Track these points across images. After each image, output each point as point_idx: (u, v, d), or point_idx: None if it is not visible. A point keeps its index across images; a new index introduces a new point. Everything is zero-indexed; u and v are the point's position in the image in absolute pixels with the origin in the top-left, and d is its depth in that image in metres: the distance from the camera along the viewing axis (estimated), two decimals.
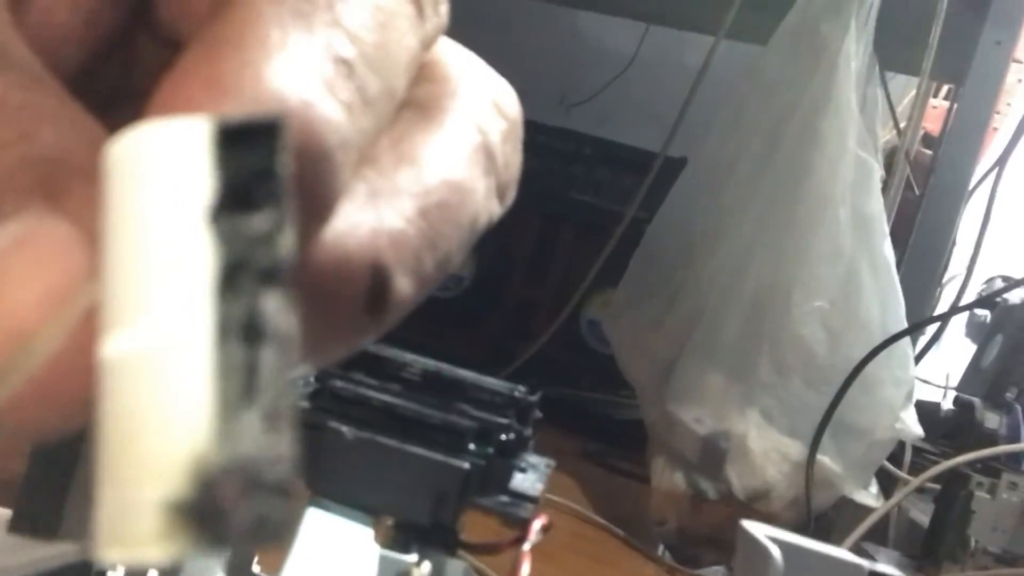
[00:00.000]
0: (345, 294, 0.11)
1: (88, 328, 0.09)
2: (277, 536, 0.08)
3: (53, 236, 0.09)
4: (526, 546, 0.17)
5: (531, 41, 1.53)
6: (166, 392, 0.08)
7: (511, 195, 0.14)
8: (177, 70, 0.10)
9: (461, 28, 0.15)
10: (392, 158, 0.12)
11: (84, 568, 0.17)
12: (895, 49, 0.91)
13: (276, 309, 0.08)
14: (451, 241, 0.12)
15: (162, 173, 0.08)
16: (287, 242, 0.08)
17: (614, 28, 1.53)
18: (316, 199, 0.10)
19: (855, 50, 0.74)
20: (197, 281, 0.08)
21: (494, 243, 1.23)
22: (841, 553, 0.18)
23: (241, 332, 0.08)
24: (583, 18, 1.56)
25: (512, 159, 0.14)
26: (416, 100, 0.13)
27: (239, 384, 0.08)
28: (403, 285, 0.12)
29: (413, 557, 0.17)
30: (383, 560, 0.15)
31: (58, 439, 0.12)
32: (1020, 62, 1.66)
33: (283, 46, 0.10)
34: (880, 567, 0.19)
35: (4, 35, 0.11)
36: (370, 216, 0.11)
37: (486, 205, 0.13)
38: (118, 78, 0.14)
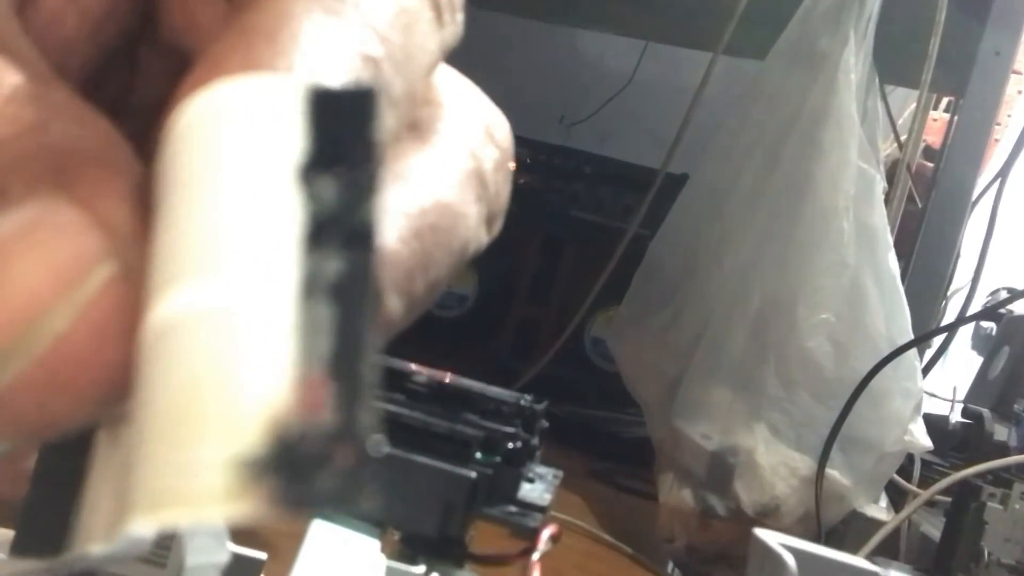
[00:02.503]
0: None
1: (101, 310, 0.09)
2: (355, 499, 0.07)
3: (62, 220, 0.09)
4: (535, 556, 0.17)
5: (531, 61, 1.54)
6: (241, 348, 0.07)
7: (498, 225, 0.14)
8: (211, 55, 0.10)
9: (462, 48, 0.15)
10: (387, 176, 0.12)
11: None
12: (894, 62, 0.91)
13: (363, 270, 0.08)
14: (442, 265, 0.12)
15: (251, 127, 0.08)
16: (377, 205, 0.08)
17: (613, 47, 1.53)
18: None
19: (854, 62, 0.74)
20: (283, 237, 0.08)
21: (497, 262, 1.23)
22: (856, 561, 0.18)
23: (326, 291, 0.08)
24: (582, 37, 1.57)
25: (503, 189, 0.13)
26: (410, 121, 0.12)
27: (322, 343, 0.07)
28: (394, 305, 0.11)
29: (421, 569, 0.17)
30: (390, 572, 0.15)
31: (64, 448, 0.12)
32: (1020, 73, 1.66)
33: (315, 41, 0.10)
34: (894, 575, 0.18)
35: (12, 35, 0.11)
36: None
37: (476, 232, 0.13)
38: (120, 90, 0.14)
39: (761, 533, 0.18)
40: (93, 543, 0.09)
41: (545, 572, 0.26)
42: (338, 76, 0.10)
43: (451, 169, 0.12)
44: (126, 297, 0.09)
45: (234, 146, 0.08)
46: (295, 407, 0.07)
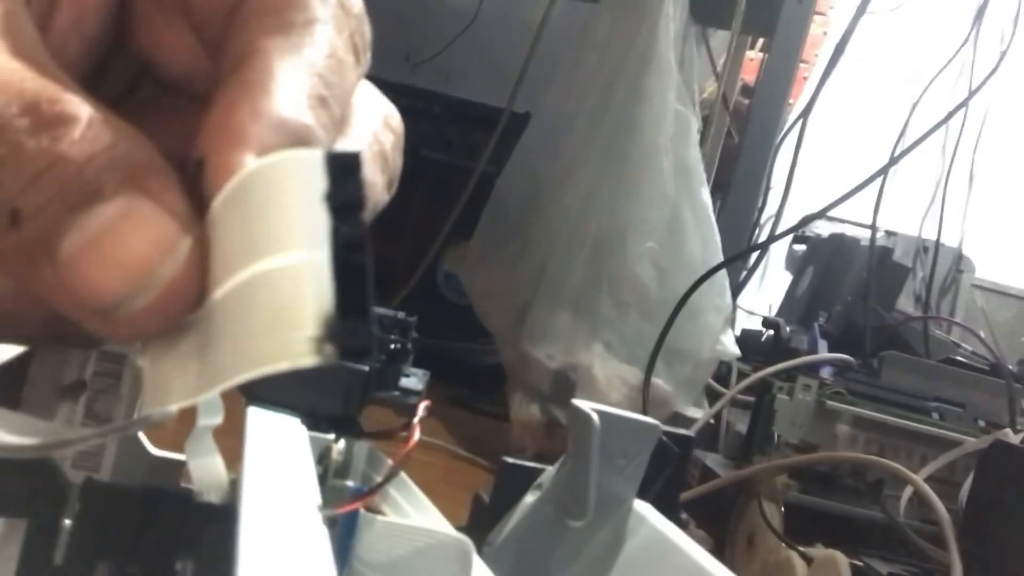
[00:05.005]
0: None
1: (190, 266, 0.14)
2: (369, 352, 0.14)
3: (146, 209, 0.14)
4: (416, 419, 0.23)
5: (375, 1, 1.54)
6: (311, 283, 0.14)
7: (394, 187, 0.19)
8: (223, 105, 0.15)
9: None
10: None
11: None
12: (710, 5, 1.00)
13: (362, 244, 0.14)
14: None
15: (299, 175, 0.14)
16: (365, 212, 0.15)
17: None
18: None
19: (673, 13, 0.82)
20: (322, 230, 0.14)
21: None
22: (643, 418, 0.25)
23: (343, 255, 0.14)
24: None
25: (397, 161, 0.19)
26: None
27: (345, 279, 0.14)
28: None
29: (331, 436, 0.22)
30: (311, 439, 0.20)
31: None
32: (824, 14, 1.81)
33: (290, 90, 0.15)
34: (671, 428, 0.25)
35: (64, 75, 0.15)
36: None
37: (381, 196, 0.19)
38: (91, 90, 0.18)
39: (577, 401, 0.24)
40: (175, 403, 0.14)
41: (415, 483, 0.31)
42: (305, 114, 0.15)
43: (363, 153, 0.18)
44: (201, 258, 0.14)
45: (291, 186, 0.14)
46: (334, 310, 0.14)
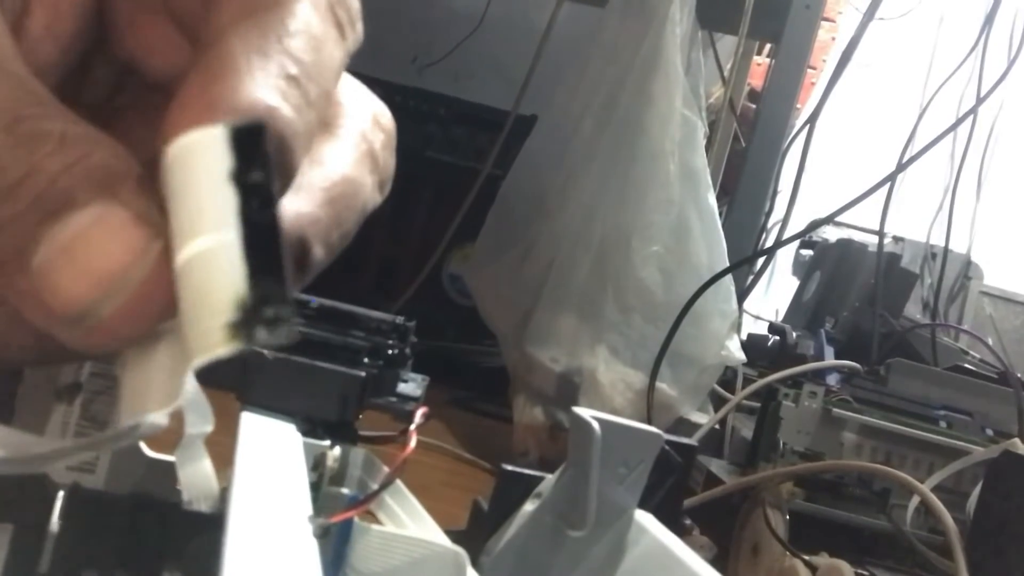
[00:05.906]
0: None
1: (160, 270, 0.14)
2: (288, 331, 0.13)
3: (117, 216, 0.14)
4: (412, 426, 0.22)
5: (383, 3, 1.54)
6: (221, 268, 0.13)
7: (387, 188, 0.19)
8: (184, 94, 0.15)
9: None
10: (307, 162, 0.17)
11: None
12: (717, 10, 1.00)
13: (273, 220, 0.14)
14: (349, 221, 0.18)
15: (205, 155, 0.14)
16: (275, 185, 0.14)
17: None
18: (283, 169, 0.15)
19: (679, 18, 0.81)
20: (230, 210, 0.14)
21: None
22: (645, 427, 0.24)
23: (255, 233, 0.14)
24: None
25: (389, 161, 0.19)
26: (322, 120, 0.17)
27: (256, 259, 0.14)
28: (318, 252, 0.17)
29: (327, 443, 0.22)
30: (305, 446, 0.20)
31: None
32: (832, 20, 1.81)
33: (251, 72, 0.15)
34: (674, 437, 0.25)
35: (39, 88, 0.15)
36: (295, 203, 0.16)
37: (372, 195, 0.18)
38: (73, 93, 0.18)
39: (578, 409, 0.24)
40: (150, 411, 0.14)
41: (417, 490, 0.30)
42: (269, 95, 0.14)
43: (351, 152, 0.17)
44: (168, 261, 0.14)
45: (198, 167, 0.14)
46: (248, 292, 0.13)
